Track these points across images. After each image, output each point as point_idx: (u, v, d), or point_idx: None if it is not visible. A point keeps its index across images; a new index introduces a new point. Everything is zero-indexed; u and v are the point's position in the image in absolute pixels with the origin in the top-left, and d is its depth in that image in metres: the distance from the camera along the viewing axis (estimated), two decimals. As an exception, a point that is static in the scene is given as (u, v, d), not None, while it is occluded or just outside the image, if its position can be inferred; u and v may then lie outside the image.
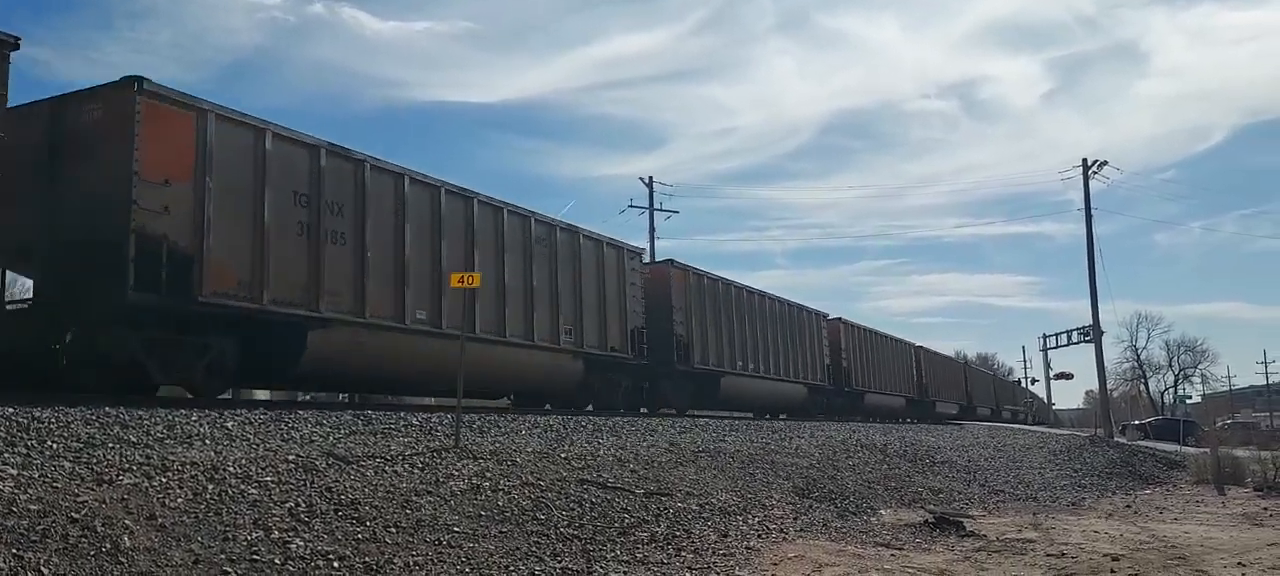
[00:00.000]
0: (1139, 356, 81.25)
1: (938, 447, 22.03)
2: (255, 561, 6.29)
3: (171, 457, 7.62)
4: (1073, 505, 17.34)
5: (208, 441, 8.52)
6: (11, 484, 6.30)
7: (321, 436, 9.72)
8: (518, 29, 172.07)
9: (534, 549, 8.02)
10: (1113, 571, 9.74)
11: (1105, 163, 44.45)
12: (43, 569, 5.41)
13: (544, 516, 8.89)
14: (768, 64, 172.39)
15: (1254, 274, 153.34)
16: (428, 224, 14.47)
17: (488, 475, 9.59)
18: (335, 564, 6.60)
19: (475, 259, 15.15)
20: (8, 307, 11.96)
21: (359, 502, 7.80)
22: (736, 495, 11.79)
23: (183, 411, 9.45)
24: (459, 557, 7.37)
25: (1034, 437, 32.16)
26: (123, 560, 5.78)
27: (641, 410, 19.98)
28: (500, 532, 8.19)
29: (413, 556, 7.12)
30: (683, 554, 8.85)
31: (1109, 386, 51.16)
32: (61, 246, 10.72)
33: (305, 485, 7.85)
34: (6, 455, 6.88)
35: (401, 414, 12.39)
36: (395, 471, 8.90)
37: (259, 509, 7.10)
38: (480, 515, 8.44)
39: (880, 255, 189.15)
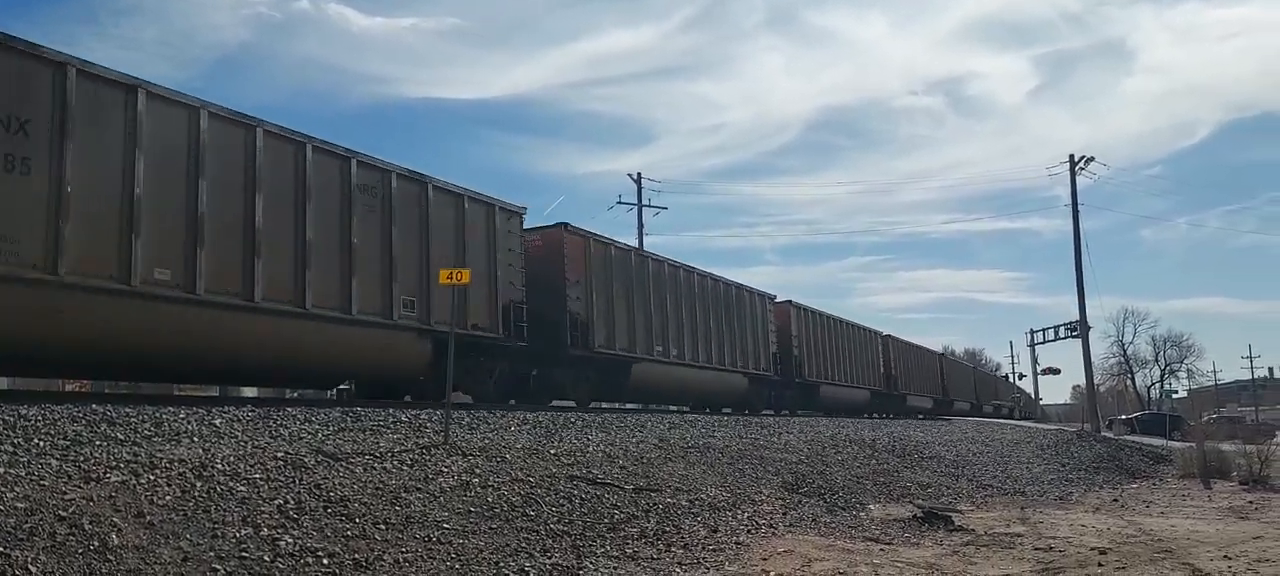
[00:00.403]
0: (1125, 351, 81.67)
1: (925, 443, 22.09)
2: (244, 558, 6.27)
3: (159, 455, 7.59)
4: (1060, 499, 17.42)
5: (195, 438, 8.49)
6: (-2, 482, 6.26)
7: (310, 433, 9.70)
8: (505, 26, 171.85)
9: (524, 545, 8.02)
10: (1100, 565, 9.79)
11: (1092, 159, 44.83)
12: (31, 567, 5.39)
13: (534, 512, 8.88)
14: (756, 61, 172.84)
15: (1239, 269, 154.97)
16: (177, 155, 11.16)
17: (477, 471, 9.58)
18: (325, 560, 6.59)
19: (257, 204, 11.96)
20: None
21: (348, 499, 7.79)
22: (726, 490, 11.81)
23: (170, 409, 9.41)
24: (449, 554, 7.37)
25: (1021, 432, 32.30)
26: (111, 558, 5.75)
27: (511, 403, 16.82)
28: (490, 529, 8.19)
29: (402, 553, 7.11)
30: (673, 549, 8.86)
31: (1096, 381, 51.44)
32: None
33: (294, 482, 7.83)
34: (-8, 453, 6.85)
35: (390, 410, 12.36)
36: (384, 468, 8.88)
37: (248, 506, 7.08)
38: (470, 511, 8.43)
39: (868, 251, 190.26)
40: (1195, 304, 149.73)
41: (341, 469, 8.50)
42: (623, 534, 8.99)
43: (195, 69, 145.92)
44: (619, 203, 45.13)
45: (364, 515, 7.59)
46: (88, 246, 10.15)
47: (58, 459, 6.99)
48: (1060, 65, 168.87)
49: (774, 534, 10.34)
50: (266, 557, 6.37)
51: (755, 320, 26.28)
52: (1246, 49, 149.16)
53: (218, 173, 11.56)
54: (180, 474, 7.25)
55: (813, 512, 11.99)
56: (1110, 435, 37.37)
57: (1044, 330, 57.92)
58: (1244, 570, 9.67)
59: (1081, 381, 51.29)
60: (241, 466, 7.80)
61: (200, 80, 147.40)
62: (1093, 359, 47.40)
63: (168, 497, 6.77)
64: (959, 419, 40.90)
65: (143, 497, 6.64)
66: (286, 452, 8.53)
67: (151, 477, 7.02)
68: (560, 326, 17.66)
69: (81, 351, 10.64)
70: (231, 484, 7.38)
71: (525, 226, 17.40)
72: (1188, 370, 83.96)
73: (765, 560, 8.90)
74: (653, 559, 8.41)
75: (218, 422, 9.20)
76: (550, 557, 7.85)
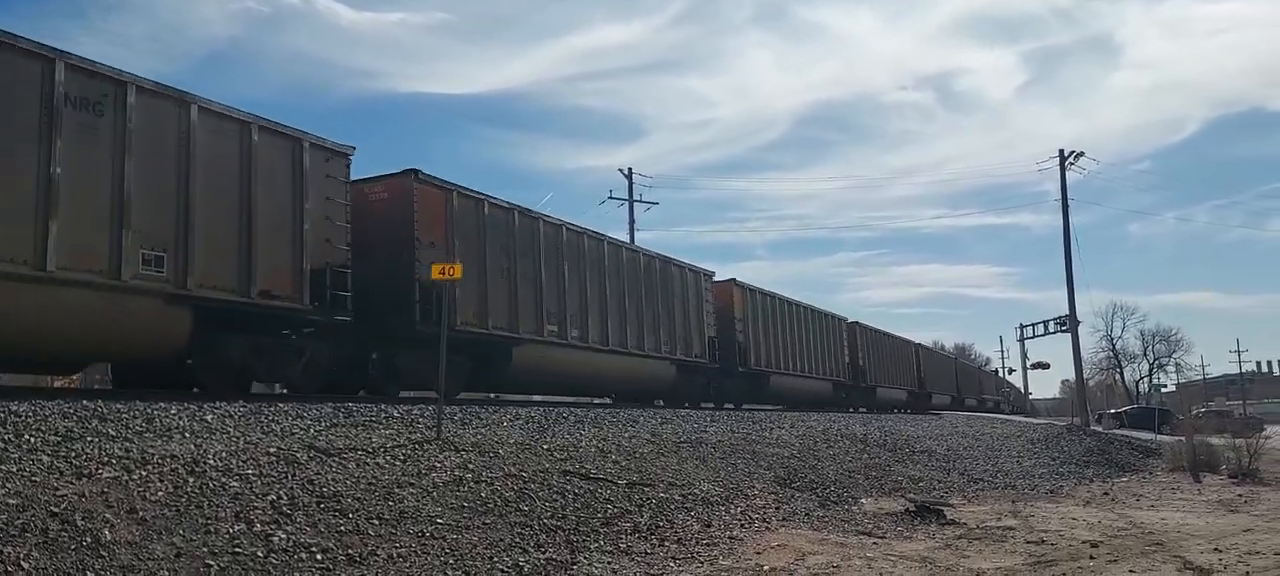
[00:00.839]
0: (1114, 346, 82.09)
1: (917, 437, 22.15)
2: (237, 554, 6.25)
3: (151, 450, 7.56)
4: (1051, 493, 17.49)
5: (187, 434, 8.46)
6: (-11, 478, 6.23)
7: (302, 429, 9.67)
8: (493, 20, 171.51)
9: (518, 540, 8.01)
10: (1092, 558, 9.83)
11: (1082, 154, 44.74)
12: (23, 563, 5.36)
13: (527, 508, 8.88)
14: (745, 56, 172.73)
15: (1226, 264, 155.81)
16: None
17: (470, 467, 9.57)
18: (318, 556, 6.58)
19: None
20: None
21: (341, 495, 7.77)
22: (718, 485, 11.82)
23: (161, 404, 9.36)
24: (442, 549, 7.36)
25: (1012, 427, 32.40)
26: (104, 554, 5.73)
27: (362, 393, 14.53)
28: (484, 524, 8.18)
29: (396, 548, 7.11)
30: (666, 544, 8.87)
31: (1085, 376, 51.69)
32: None
33: (287, 477, 7.81)
34: (-17, 449, 6.81)
35: (382, 406, 12.33)
36: (377, 463, 8.87)
37: (241, 502, 7.06)
38: (463, 507, 8.43)
39: (859, 247, 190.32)
40: (1183, 298, 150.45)
41: (334, 464, 8.48)
42: (616, 528, 9.00)
43: (184, 63, 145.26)
44: (610, 198, 45.06)
45: (357, 511, 7.57)
46: None
47: (49, 455, 6.96)
48: (1049, 60, 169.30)
49: (767, 528, 10.36)
50: (260, 553, 6.36)
51: (687, 300, 23.01)
52: (1234, 45, 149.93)
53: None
54: (172, 470, 7.22)
55: (805, 507, 12.01)
56: (1100, 429, 37.51)
57: (1033, 325, 58.16)
58: (1235, 562, 9.72)
59: (1071, 376, 51.57)
60: (234, 462, 7.78)
61: (189, 75, 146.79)
62: (1082, 353, 47.65)
63: (160, 493, 6.75)
64: (949, 413, 41.05)
65: (135, 493, 6.61)
66: (279, 448, 8.51)
67: (144, 473, 6.99)
68: (407, 299, 14.27)
69: None
70: (224, 480, 7.35)
71: (370, 177, 14.86)
72: (1176, 364, 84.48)
73: (759, 554, 8.92)
74: (646, 553, 8.42)
75: (210, 418, 9.17)
76: (544, 552, 7.85)
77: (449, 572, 7.00)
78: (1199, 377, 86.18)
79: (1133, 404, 59.43)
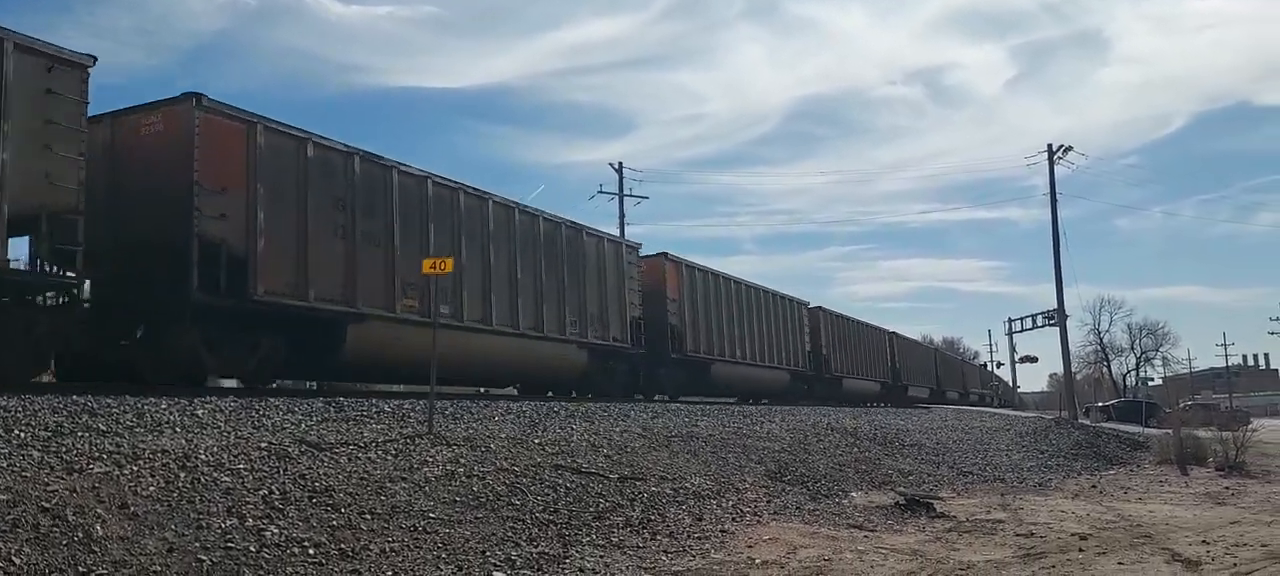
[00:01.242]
0: (1102, 339, 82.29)
1: (907, 430, 22.24)
2: (230, 549, 6.24)
3: (142, 445, 7.53)
4: (1040, 486, 17.58)
5: (178, 429, 8.43)
6: (-21, 473, 6.20)
7: (293, 424, 9.65)
8: (483, 14, 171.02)
9: (510, 534, 8.02)
10: (1081, 550, 9.89)
11: (1070, 148, 44.84)
12: (14, 558, 5.34)
13: (519, 502, 8.89)
14: (736, 50, 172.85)
15: (1213, 258, 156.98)
16: None
17: (462, 461, 9.57)
18: (310, 551, 6.57)
19: None
20: None
21: (333, 489, 7.76)
22: (710, 479, 11.85)
23: (152, 399, 9.34)
24: (435, 543, 7.36)
25: (1000, 420, 32.55)
26: (95, 549, 5.71)
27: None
28: (476, 518, 8.19)
29: (388, 542, 7.11)
30: (658, 537, 8.89)
31: (1073, 369, 51.90)
32: None
33: (278, 472, 7.79)
34: (-27, 444, 6.77)
35: (373, 400, 12.30)
36: (369, 458, 8.86)
37: (232, 496, 7.04)
38: (455, 501, 8.43)
39: (848, 241, 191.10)
40: (1170, 292, 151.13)
41: (326, 459, 8.46)
42: (608, 522, 9.02)
43: (171, 56, 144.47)
44: (600, 192, 45.01)
45: (349, 505, 7.57)
46: None
47: (39, 450, 6.92)
48: (1037, 55, 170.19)
49: (758, 521, 10.40)
50: (252, 548, 6.35)
51: (604, 274, 20.29)
52: (1222, 40, 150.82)
53: None
54: (164, 464, 7.19)
55: (796, 500, 12.05)
56: (1087, 422, 37.70)
57: (1022, 319, 58.36)
58: (1222, 554, 9.80)
59: (1059, 369, 51.67)
60: (225, 457, 7.76)
61: (178, 68, 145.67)
62: (1070, 347, 47.84)
63: (151, 488, 6.73)
64: (939, 407, 41.18)
65: (126, 488, 6.59)
66: (270, 443, 8.49)
67: (135, 468, 6.97)
68: (181, 259, 11.39)
69: None
70: (215, 474, 7.33)
71: (145, 104, 12.05)
72: (1163, 358, 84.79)
73: (750, 548, 8.95)
74: (638, 547, 8.44)
75: (201, 413, 9.14)
76: (536, 546, 7.86)
77: (442, 567, 7.01)
78: (1186, 371, 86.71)
79: (1120, 397, 59.67)
